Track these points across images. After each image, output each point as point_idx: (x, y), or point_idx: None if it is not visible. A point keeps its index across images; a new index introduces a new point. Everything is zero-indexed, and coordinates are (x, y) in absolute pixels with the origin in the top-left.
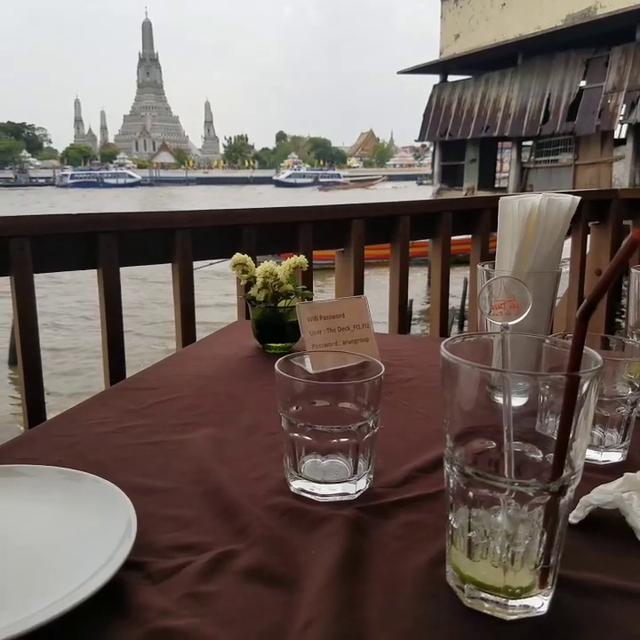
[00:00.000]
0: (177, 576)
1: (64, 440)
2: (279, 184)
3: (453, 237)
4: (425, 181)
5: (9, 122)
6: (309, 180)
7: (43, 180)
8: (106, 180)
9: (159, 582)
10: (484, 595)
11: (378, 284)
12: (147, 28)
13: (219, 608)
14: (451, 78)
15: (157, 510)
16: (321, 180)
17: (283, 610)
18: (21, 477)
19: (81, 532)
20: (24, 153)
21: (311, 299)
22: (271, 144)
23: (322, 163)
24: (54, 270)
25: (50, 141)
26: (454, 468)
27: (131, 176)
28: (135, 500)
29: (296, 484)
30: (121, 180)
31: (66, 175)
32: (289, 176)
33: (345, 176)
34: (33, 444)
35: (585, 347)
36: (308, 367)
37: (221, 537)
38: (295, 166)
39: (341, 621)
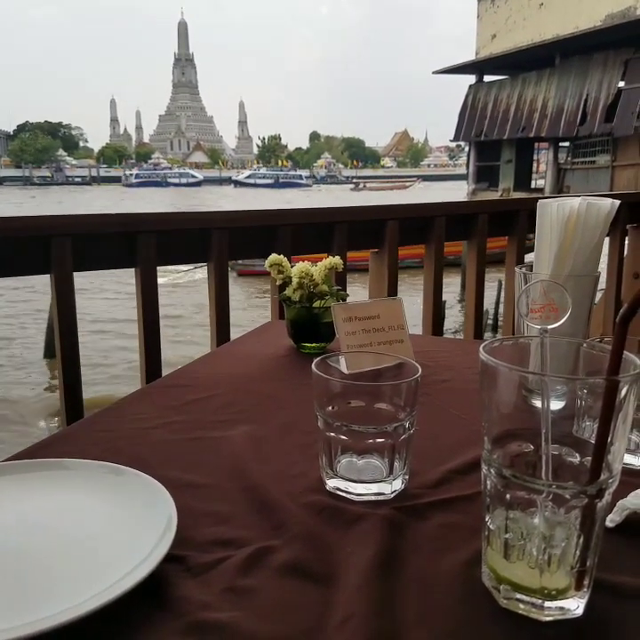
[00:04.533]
0: (216, 570)
1: (104, 435)
2: (237, 184)
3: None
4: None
5: (46, 121)
6: (269, 181)
7: (79, 179)
8: (169, 180)
9: (199, 576)
10: (519, 596)
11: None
12: (182, 29)
13: (257, 602)
14: (487, 78)
15: (197, 505)
16: (281, 180)
17: (320, 605)
18: (64, 471)
19: (122, 525)
20: (60, 152)
21: (346, 299)
22: (305, 144)
23: (355, 163)
24: (93, 269)
25: (86, 140)
26: (492, 470)
27: (193, 176)
28: (175, 495)
29: (332, 483)
30: (184, 180)
31: (131, 174)
32: (248, 176)
33: (376, 177)
34: (74, 439)
35: (624, 351)
36: (343, 367)
37: (259, 533)
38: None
39: (378, 618)
